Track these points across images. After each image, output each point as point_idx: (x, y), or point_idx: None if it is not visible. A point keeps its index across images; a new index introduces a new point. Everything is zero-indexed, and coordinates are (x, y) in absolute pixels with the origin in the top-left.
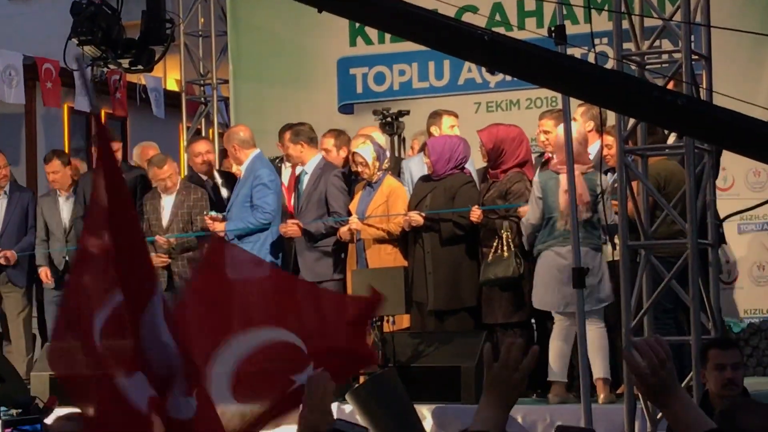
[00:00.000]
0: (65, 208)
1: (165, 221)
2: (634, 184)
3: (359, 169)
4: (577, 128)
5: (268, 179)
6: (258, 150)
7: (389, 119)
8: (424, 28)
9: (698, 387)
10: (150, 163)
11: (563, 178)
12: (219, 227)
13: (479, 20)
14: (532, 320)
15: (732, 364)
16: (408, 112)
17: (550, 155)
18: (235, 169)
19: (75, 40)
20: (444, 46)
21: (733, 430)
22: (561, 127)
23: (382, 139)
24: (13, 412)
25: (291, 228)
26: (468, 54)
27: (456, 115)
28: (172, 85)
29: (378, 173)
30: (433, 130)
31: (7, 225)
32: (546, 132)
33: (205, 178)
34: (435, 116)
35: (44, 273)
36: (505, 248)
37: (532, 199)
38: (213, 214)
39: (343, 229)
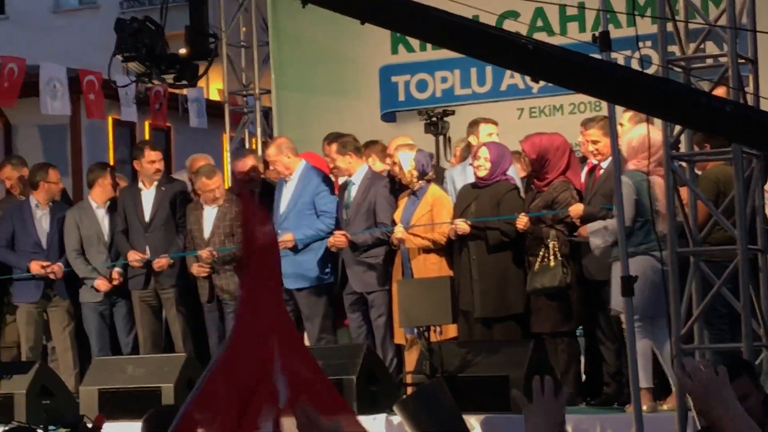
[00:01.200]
0: (105, 221)
1: (207, 233)
2: (683, 190)
3: (397, 174)
4: (640, 132)
5: (329, 186)
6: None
7: (434, 119)
8: (466, 39)
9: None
10: (198, 172)
11: (656, 180)
12: (287, 238)
13: (520, 27)
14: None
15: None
16: (453, 112)
17: (593, 163)
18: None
19: (119, 57)
20: (487, 56)
21: None
22: (635, 130)
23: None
24: (62, 431)
25: (339, 240)
26: (512, 64)
27: (495, 123)
28: (214, 95)
29: (420, 182)
30: (471, 139)
31: (53, 239)
32: (594, 142)
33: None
34: (473, 125)
35: (102, 283)
36: (551, 257)
37: (628, 200)
38: None
39: (393, 237)
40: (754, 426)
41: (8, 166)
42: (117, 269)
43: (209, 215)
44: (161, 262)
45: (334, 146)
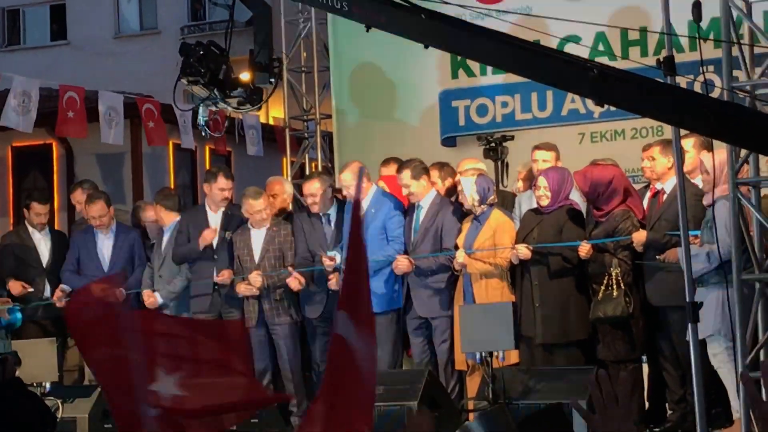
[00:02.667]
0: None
1: (257, 257)
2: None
3: (460, 199)
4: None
5: (400, 211)
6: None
7: (493, 144)
8: (529, 63)
9: None
10: (245, 195)
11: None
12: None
13: (582, 51)
14: (643, 357)
15: None
16: (512, 137)
17: (656, 188)
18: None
19: (184, 81)
20: (550, 80)
21: None
22: (705, 155)
23: (490, 167)
24: None
25: (402, 263)
26: (576, 88)
27: (550, 149)
28: (272, 120)
29: (482, 206)
30: (533, 164)
31: (114, 264)
32: (651, 159)
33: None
34: (532, 151)
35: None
36: (614, 286)
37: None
38: (330, 254)
39: (455, 262)
40: None
41: (79, 189)
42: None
43: (257, 239)
44: (244, 286)
45: (407, 171)
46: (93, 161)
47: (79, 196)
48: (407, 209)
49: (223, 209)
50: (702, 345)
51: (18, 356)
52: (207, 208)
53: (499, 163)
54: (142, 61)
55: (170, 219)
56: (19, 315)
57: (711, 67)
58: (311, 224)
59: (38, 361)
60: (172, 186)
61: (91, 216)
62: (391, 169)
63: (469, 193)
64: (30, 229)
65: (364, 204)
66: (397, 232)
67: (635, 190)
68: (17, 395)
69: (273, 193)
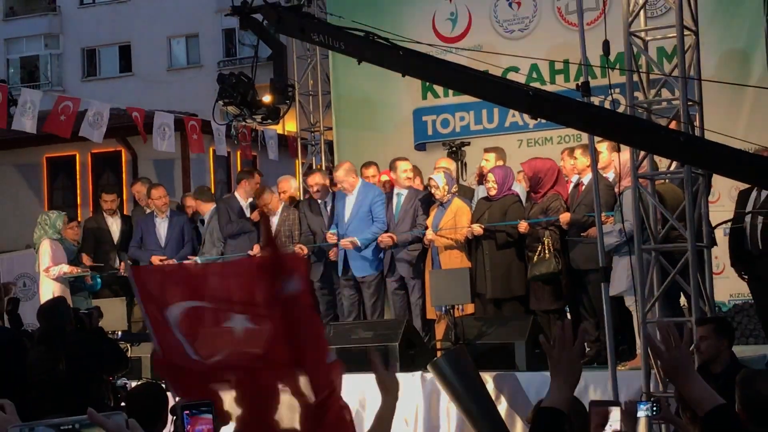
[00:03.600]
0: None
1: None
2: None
3: (432, 190)
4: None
5: (382, 197)
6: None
7: (454, 148)
8: (481, 87)
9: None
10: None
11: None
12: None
13: (520, 77)
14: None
15: (699, 337)
16: (469, 143)
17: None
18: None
19: (220, 103)
20: (497, 100)
21: (753, 393)
22: (615, 156)
23: (453, 165)
24: None
25: (386, 240)
26: (516, 106)
27: (494, 151)
28: (289, 130)
29: (448, 195)
30: (483, 163)
31: (169, 240)
32: (575, 159)
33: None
34: (483, 153)
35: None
36: (546, 251)
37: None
38: (331, 232)
39: (425, 238)
40: (711, 393)
41: (138, 183)
42: None
43: (274, 221)
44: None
45: (404, 163)
46: (152, 164)
47: (138, 188)
48: (390, 196)
49: (250, 199)
50: (613, 299)
51: (101, 311)
52: (238, 197)
53: (459, 163)
54: (188, 88)
55: (207, 208)
56: (99, 280)
57: (617, 90)
58: (312, 210)
59: (112, 315)
60: (212, 183)
61: (154, 198)
62: (371, 170)
63: (441, 185)
64: (105, 215)
65: (353, 193)
66: (380, 215)
67: (563, 180)
68: (100, 339)
69: (283, 189)
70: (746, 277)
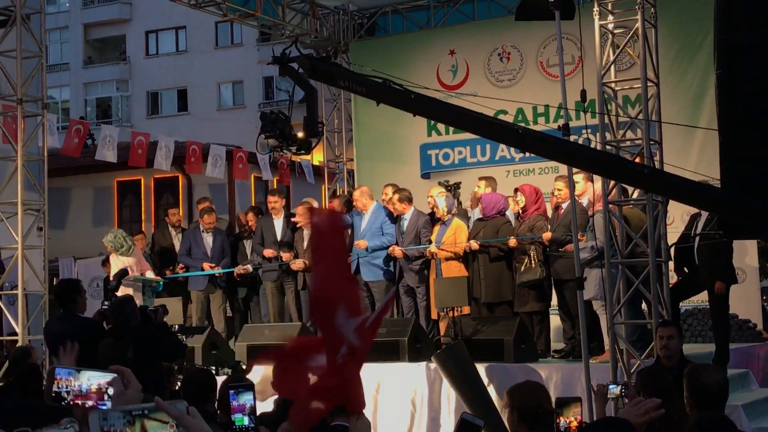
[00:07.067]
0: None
1: (304, 246)
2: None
3: (434, 210)
4: (597, 186)
5: (391, 217)
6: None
7: (449, 188)
8: (479, 126)
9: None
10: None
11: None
12: (364, 243)
13: (509, 119)
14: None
15: (668, 336)
16: (459, 184)
17: (556, 205)
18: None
19: (263, 136)
20: (492, 136)
21: (697, 383)
22: (589, 185)
23: (445, 193)
24: (227, 370)
25: (396, 252)
26: (506, 141)
27: (485, 180)
28: (316, 161)
29: (448, 215)
30: (476, 189)
31: (213, 251)
32: (559, 189)
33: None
34: (477, 181)
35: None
36: (533, 262)
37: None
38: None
39: (428, 252)
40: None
41: (207, 201)
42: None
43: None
44: (298, 263)
45: (396, 195)
46: (206, 188)
47: (201, 205)
48: (397, 218)
49: (283, 215)
50: (586, 303)
51: (166, 308)
52: (272, 216)
53: (452, 194)
54: (235, 125)
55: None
56: (161, 283)
57: (590, 130)
58: None
59: (171, 312)
60: (253, 203)
61: (206, 221)
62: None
63: (442, 207)
64: (170, 228)
65: (368, 212)
66: (389, 230)
67: (545, 204)
68: (162, 332)
69: (300, 212)
70: (686, 270)
